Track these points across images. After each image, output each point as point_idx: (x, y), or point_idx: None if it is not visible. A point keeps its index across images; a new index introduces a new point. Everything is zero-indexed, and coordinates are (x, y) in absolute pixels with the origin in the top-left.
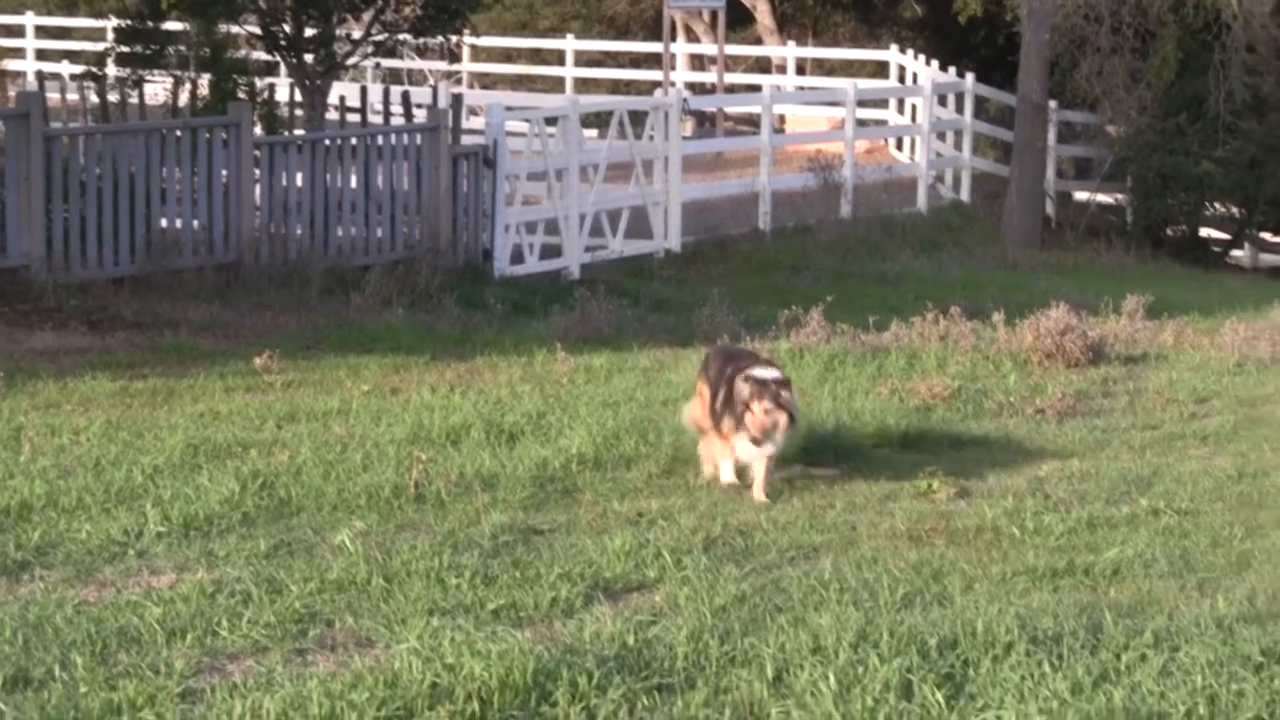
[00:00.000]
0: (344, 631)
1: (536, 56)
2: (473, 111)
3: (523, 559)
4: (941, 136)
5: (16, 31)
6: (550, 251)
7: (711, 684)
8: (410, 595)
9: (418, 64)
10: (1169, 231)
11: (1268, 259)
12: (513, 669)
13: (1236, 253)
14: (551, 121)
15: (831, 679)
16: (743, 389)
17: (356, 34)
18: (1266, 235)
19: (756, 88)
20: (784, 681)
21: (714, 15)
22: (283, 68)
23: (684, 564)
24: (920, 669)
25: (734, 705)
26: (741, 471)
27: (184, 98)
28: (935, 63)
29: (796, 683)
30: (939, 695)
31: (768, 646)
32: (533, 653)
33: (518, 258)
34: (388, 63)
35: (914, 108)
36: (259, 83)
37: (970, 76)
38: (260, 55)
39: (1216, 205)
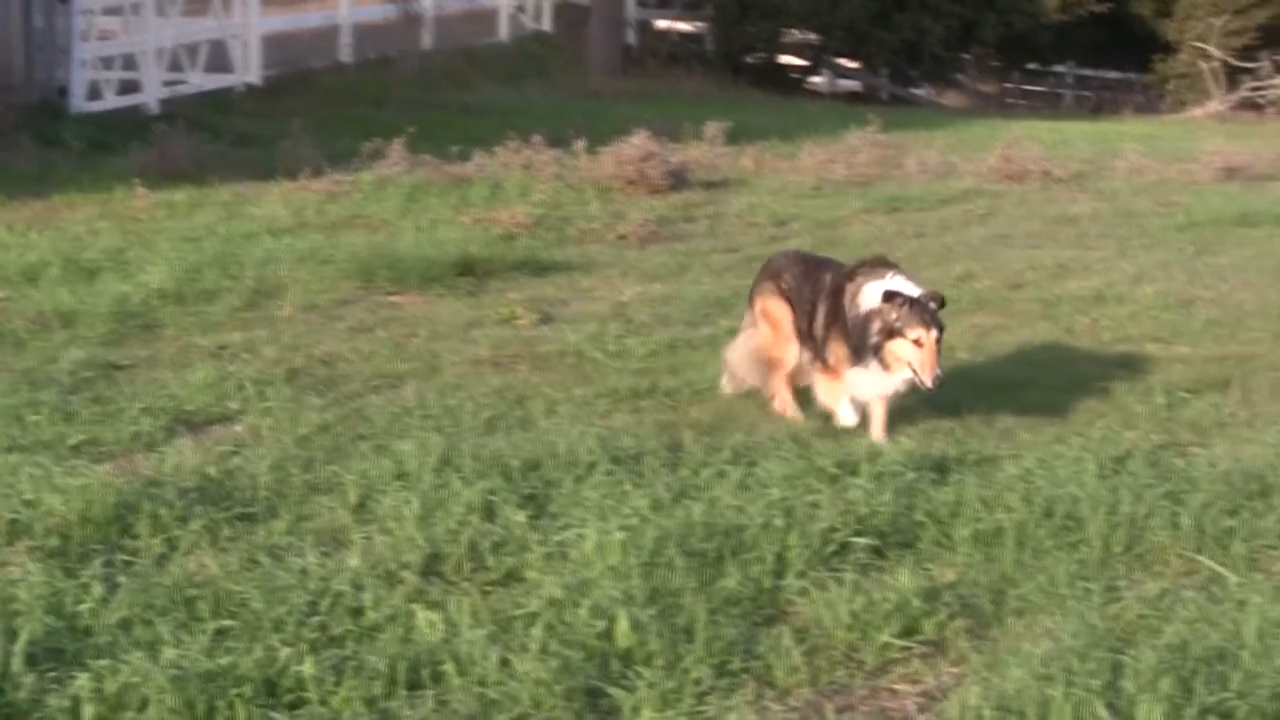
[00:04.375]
0: None
1: None
2: None
3: (103, 394)
4: None
5: None
6: (128, 87)
7: (294, 512)
8: None
9: None
10: (748, 59)
11: (844, 84)
12: (93, 503)
13: (814, 79)
14: None
15: (415, 503)
16: (889, 312)
17: None
18: (843, 61)
19: None
20: (367, 507)
21: None
22: None
23: (267, 395)
24: (503, 491)
25: (317, 532)
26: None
27: None
28: None
29: (380, 508)
30: (521, 515)
31: (350, 474)
32: (113, 486)
33: (95, 94)
34: None
35: None
36: None
37: None
38: None
39: (794, 32)
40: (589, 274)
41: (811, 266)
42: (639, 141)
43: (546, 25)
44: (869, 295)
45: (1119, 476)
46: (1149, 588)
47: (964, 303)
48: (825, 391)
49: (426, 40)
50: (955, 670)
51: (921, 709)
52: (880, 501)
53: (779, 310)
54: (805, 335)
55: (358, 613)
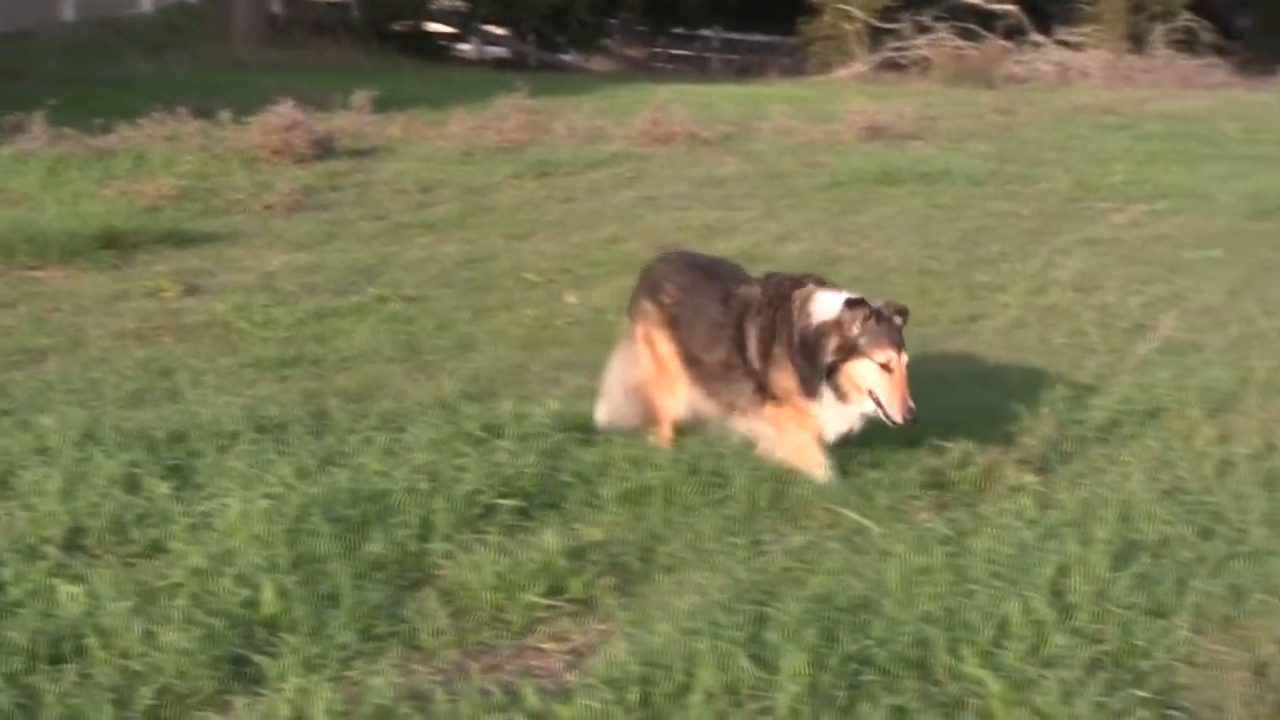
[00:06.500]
0: None
1: None
2: None
3: None
4: None
5: None
6: None
7: None
8: None
9: None
10: (395, 26)
11: (492, 51)
12: None
13: (462, 46)
14: None
15: (56, 477)
16: (850, 325)
17: None
18: (490, 28)
19: None
20: (8, 483)
21: None
22: None
23: None
24: (146, 463)
25: None
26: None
27: None
28: None
29: (20, 483)
30: (165, 487)
31: None
32: None
33: None
34: None
35: None
36: None
37: None
38: None
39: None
40: (235, 244)
41: (709, 274)
42: (284, 111)
43: None
44: (824, 304)
45: None
46: (794, 541)
47: (612, 265)
48: (782, 443)
49: (67, 12)
50: (603, 627)
51: (569, 666)
52: (526, 463)
53: (661, 340)
54: (713, 366)
55: None
